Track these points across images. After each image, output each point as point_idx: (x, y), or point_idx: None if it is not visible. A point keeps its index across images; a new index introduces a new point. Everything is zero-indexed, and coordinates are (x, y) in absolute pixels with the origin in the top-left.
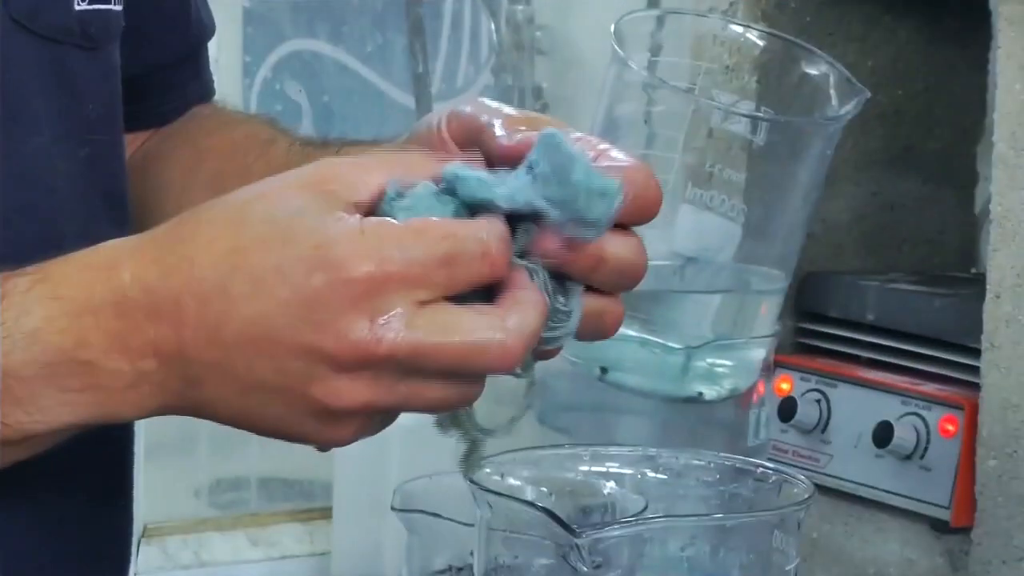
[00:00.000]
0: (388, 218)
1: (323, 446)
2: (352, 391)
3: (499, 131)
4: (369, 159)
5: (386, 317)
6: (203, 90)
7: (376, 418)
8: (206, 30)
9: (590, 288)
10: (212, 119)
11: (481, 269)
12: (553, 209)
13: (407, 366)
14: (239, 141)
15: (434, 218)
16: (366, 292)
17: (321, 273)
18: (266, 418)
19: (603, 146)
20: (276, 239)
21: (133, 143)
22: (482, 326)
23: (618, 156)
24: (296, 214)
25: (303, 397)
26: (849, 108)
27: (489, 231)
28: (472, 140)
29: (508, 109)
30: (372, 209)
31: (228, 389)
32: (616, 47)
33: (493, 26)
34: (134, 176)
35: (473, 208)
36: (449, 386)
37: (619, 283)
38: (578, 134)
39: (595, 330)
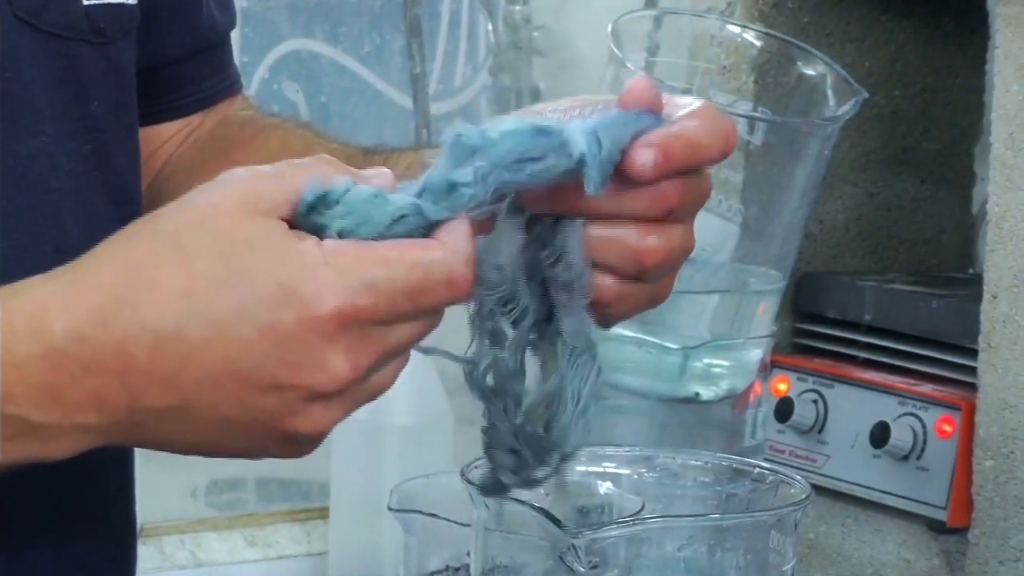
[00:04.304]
0: (347, 241)
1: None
2: (325, 416)
3: None
4: (282, 166)
5: (360, 347)
6: (227, 83)
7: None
8: (218, 24)
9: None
10: (244, 127)
11: (444, 296)
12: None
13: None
14: (275, 152)
15: (398, 242)
16: (337, 328)
17: (290, 311)
18: (226, 447)
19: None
20: (231, 278)
21: (160, 138)
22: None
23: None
24: (246, 247)
25: (273, 429)
26: (847, 108)
27: (455, 254)
28: None
29: None
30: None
31: (185, 428)
32: (614, 47)
33: (490, 26)
34: (167, 188)
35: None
36: (404, 358)
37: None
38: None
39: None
